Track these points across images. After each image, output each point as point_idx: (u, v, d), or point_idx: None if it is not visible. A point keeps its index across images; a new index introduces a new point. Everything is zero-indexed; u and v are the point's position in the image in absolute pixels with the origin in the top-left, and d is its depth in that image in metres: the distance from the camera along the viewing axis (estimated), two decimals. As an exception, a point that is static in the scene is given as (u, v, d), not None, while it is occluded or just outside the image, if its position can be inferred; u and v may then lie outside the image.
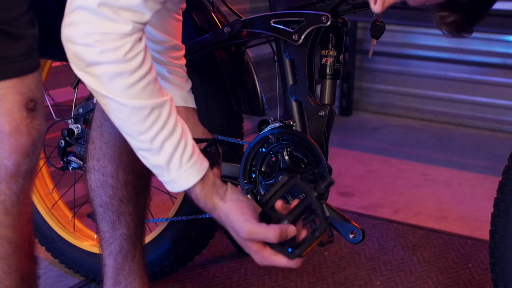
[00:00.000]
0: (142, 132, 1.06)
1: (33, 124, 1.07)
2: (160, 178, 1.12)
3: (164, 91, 1.09)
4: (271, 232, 1.08)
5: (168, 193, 1.71)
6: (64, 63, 1.79)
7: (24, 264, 1.13)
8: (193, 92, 1.50)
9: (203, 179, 1.11)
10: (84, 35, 1.00)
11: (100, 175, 1.40)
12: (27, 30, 1.06)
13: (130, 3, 0.99)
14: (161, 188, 1.62)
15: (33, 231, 1.16)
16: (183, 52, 1.48)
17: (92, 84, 1.04)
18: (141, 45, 1.03)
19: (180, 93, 1.46)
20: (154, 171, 1.11)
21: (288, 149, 1.39)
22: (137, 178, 1.42)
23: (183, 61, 1.47)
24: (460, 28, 0.97)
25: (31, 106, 1.06)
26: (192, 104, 1.49)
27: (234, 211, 1.12)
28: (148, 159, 1.10)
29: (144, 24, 1.03)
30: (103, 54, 1.00)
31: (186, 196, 1.44)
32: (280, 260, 1.10)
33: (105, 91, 1.03)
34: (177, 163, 1.09)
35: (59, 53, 1.45)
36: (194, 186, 1.11)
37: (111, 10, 0.98)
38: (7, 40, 1.03)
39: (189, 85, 1.48)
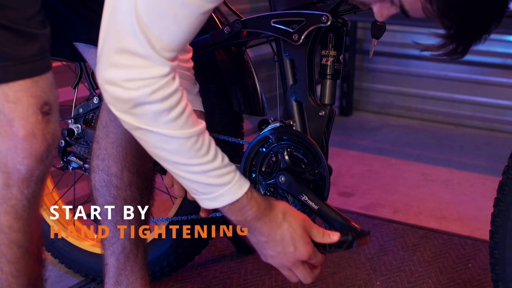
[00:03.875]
0: (202, 155, 1.08)
1: (48, 129, 1.06)
2: (205, 197, 1.12)
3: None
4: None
5: (168, 193, 1.71)
6: (65, 63, 1.80)
7: (32, 267, 1.12)
8: (193, 92, 1.50)
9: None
10: (127, 80, 1.00)
11: (104, 175, 1.40)
12: (40, 30, 1.05)
13: (173, 43, 1.01)
14: (161, 188, 1.63)
15: (42, 234, 1.16)
16: (190, 54, 1.46)
17: (134, 122, 1.04)
18: (177, 82, 1.04)
19: (187, 96, 1.45)
20: (206, 190, 1.11)
21: (288, 149, 1.39)
22: (142, 179, 1.42)
23: (191, 64, 1.46)
24: (450, 53, 0.98)
25: (46, 110, 1.05)
26: (199, 107, 1.47)
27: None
28: (208, 181, 1.10)
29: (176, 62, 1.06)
30: (147, 97, 1.01)
31: (186, 196, 1.44)
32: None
33: (150, 127, 1.04)
34: (233, 171, 1.12)
35: (65, 53, 1.45)
36: (248, 189, 1.13)
37: (155, 52, 1.00)
38: (20, 40, 1.02)
39: (196, 88, 1.47)
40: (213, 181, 1.10)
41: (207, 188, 1.11)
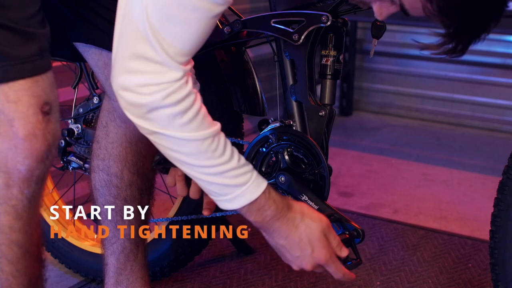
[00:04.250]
0: (218, 156, 1.08)
1: (48, 128, 1.05)
2: (223, 198, 1.12)
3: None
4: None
5: (168, 193, 1.72)
6: (65, 63, 1.80)
7: (32, 267, 1.12)
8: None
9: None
10: (141, 85, 1.01)
11: (104, 174, 1.40)
12: (40, 30, 1.05)
13: (185, 48, 1.02)
14: (161, 188, 1.63)
15: (42, 234, 1.16)
16: None
17: (149, 127, 1.05)
18: (190, 85, 1.05)
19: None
20: (223, 191, 1.11)
21: (288, 149, 1.39)
22: (142, 178, 1.42)
23: (191, 63, 1.47)
24: (449, 52, 0.98)
25: (46, 109, 1.05)
26: None
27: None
28: (225, 181, 1.10)
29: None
30: (161, 101, 1.01)
31: (186, 196, 1.44)
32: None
33: (165, 130, 1.04)
34: (250, 171, 1.12)
35: (65, 53, 1.46)
36: (266, 188, 1.13)
37: (169, 57, 1.00)
38: (20, 40, 1.02)
39: (197, 88, 1.47)
40: (230, 182, 1.10)
41: (224, 189, 1.10)
